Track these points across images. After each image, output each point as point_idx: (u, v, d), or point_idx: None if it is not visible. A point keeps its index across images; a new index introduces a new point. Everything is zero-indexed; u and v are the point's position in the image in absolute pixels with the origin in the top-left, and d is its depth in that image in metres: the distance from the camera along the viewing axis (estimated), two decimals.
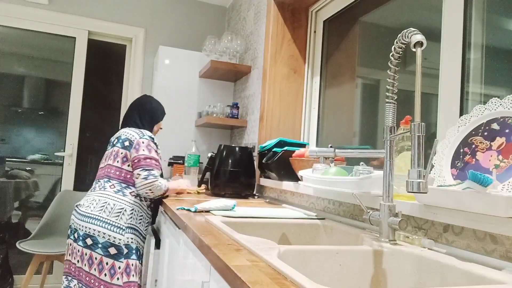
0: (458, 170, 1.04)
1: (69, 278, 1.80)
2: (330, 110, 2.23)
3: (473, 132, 1.04)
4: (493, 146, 0.97)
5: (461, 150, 1.05)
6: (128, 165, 1.85)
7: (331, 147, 1.43)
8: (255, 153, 2.38)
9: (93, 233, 1.71)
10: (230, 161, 2.13)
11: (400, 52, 1.00)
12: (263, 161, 1.99)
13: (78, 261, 1.74)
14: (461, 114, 1.27)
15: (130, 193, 1.83)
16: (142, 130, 1.95)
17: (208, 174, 2.25)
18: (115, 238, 1.71)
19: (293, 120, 2.36)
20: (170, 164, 2.76)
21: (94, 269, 1.70)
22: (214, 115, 2.72)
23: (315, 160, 1.65)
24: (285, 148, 1.87)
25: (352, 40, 2.11)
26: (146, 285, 1.91)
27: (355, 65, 2.07)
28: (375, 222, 1.07)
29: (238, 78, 2.96)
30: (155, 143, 1.91)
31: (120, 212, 1.77)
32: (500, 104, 0.98)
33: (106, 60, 4.22)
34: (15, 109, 3.10)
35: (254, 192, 2.33)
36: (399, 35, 0.97)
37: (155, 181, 1.79)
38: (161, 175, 1.90)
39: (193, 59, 2.98)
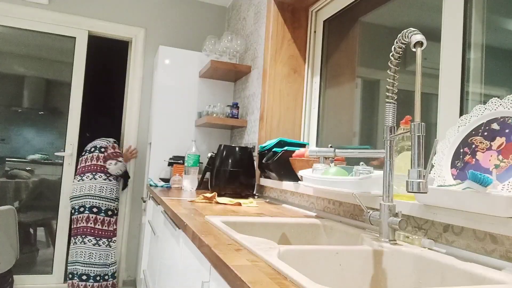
0: (458, 170, 1.04)
1: (81, 237, 2.80)
2: (330, 110, 2.23)
3: (473, 132, 1.04)
4: (493, 146, 0.97)
5: (461, 150, 1.05)
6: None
7: (331, 147, 1.43)
8: (255, 153, 2.38)
9: (97, 204, 2.82)
10: (230, 161, 2.13)
11: (400, 52, 1.00)
12: (263, 161, 1.99)
13: (88, 223, 2.80)
14: (461, 114, 1.27)
15: (111, 178, 2.92)
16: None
17: (208, 174, 2.25)
18: (110, 205, 2.86)
19: (293, 120, 2.36)
20: (170, 164, 2.76)
21: (98, 224, 2.81)
22: (214, 115, 2.72)
23: (315, 160, 1.65)
24: (285, 148, 1.87)
25: (352, 40, 2.11)
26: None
27: (355, 65, 2.07)
28: (375, 222, 1.07)
29: (238, 78, 2.96)
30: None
31: (112, 190, 2.90)
32: (500, 104, 0.98)
33: (107, 59, 4.20)
34: (15, 109, 3.10)
35: (254, 192, 2.33)
36: (399, 35, 0.97)
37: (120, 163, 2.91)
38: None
39: (193, 59, 2.98)
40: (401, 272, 0.97)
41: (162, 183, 2.63)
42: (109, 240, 2.86)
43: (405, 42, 0.96)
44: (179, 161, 2.73)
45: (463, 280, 0.81)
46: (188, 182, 2.41)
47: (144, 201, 3.13)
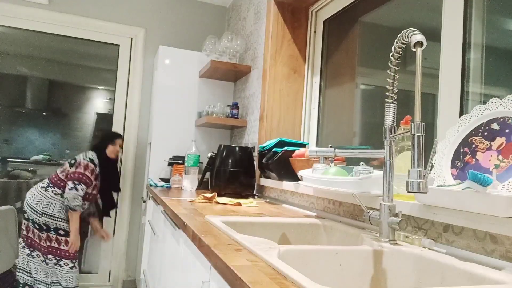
0: (458, 170, 1.04)
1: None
2: (330, 110, 2.23)
3: (473, 132, 1.04)
4: (493, 146, 0.97)
5: (461, 150, 1.05)
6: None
7: (331, 147, 1.43)
8: (255, 153, 2.38)
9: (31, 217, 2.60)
10: (230, 161, 2.13)
11: (400, 52, 1.00)
12: (263, 161, 1.99)
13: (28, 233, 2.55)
14: (461, 114, 1.27)
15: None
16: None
17: (208, 174, 2.25)
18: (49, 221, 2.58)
19: (293, 120, 2.36)
20: (170, 164, 2.76)
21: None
22: (214, 115, 2.72)
23: (315, 160, 1.65)
24: (285, 148, 1.87)
25: (352, 40, 2.11)
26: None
27: (355, 65, 2.07)
28: (375, 222, 1.07)
29: (238, 78, 2.96)
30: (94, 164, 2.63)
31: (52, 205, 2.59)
32: (500, 104, 0.98)
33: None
34: (19, 110, 3.10)
35: (254, 192, 2.33)
36: (399, 35, 0.97)
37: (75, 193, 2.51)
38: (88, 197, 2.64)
39: (193, 59, 2.98)
40: (401, 272, 0.97)
41: (162, 183, 2.63)
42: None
43: (405, 42, 0.96)
44: (179, 161, 2.73)
45: (463, 280, 0.81)
46: (188, 182, 2.41)
47: (144, 201, 3.13)
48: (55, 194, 2.54)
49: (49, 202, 2.52)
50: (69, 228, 2.54)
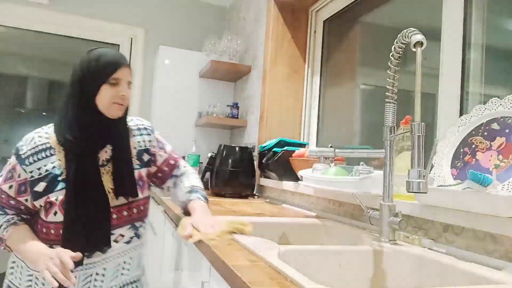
0: (458, 170, 1.04)
1: None
2: (330, 110, 2.23)
3: (473, 132, 1.04)
4: (493, 146, 0.97)
5: (461, 150, 1.05)
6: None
7: (331, 147, 1.43)
8: (255, 153, 2.38)
9: None
10: (230, 161, 2.13)
11: (400, 52, 1.00)
12: (263, 161, 1.99)
13: None
14: (461, 114, 1.27)
15: None
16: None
17: (208, 174, 2.25)
18: None
19: (293, 120, 2.35)
20: None
21: None
22: (214, 115, 2.72)
23: (315, 160, 1.65)
24: (285, 148, 1.87)
25: (352, 40, 2.11)
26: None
27: (355, 65, 2.07)
28: (375, 222, 1.07)
29: (238, 78, 2.95)
30: (21, 157, 1.13)
31: None
32: (500, 104, 0.98)
33: None
34: (19, 110, 3.10)
35: (254, 192, 2.33)
36: (399, 35, 0.97)
37: None
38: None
39: (193, 59, 2.98)
40: (401, 272, 0.97)
41: None
42: None
43: (405, 42, 0.95)
44: None
45: (463, 280, 0.81)
46: None
47: None
48: None
49: None
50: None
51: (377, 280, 0.99)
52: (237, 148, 2.16)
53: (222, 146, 2.18)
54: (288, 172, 1.86)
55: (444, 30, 1.37)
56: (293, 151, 1.82)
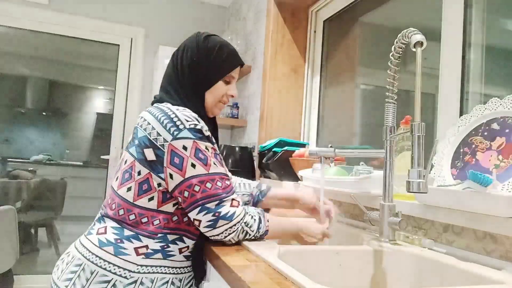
0: (458, 170, 1.04)
1: None
2: (330, 110, 2.23)
3: (473, 132, 1.04)
4: (493, 146, 0.97)
5: (461, 150, 1.05)
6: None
7: (331, 147, 1.43)
8: (255, 153, 2.38)
9: None
10: (230, 161, 2.12)
11: (400, 52, 1.00)
12: (263, 161, 1.99)
13: None
14: (461, 114, 1.27)
15: None
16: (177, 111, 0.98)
17: None
18: None
19: (293, 120, 2.35)
20: None
21: None
22: None
23: (315, 160, 1.65)
24: (285, 148, 1.87)
25: (352, 40, 2.11)
26: None
27: (355, 65, 2.07)
28: (375, 222, 1.07)
29: (238, 78, 2.95)
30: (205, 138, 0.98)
31: None
32: (500, 104, 0.98)
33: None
34: (19, 110, 3.10)
35: None
36: (399, 35, 0.97)
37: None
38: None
39: None
40: (401, 272, 0.97)
41: None
42: None
43: (405, 42, 0.95)
44: None
45: (463, 280, 0.81)
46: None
47: None
48: None
49: None
50: None
51: (377, 280, 0.99)
52: (237, 148, 2.16)
53: (222, 146, 2.18)
54: (288, 172, 1.86)
55: (444, 30, 1.37)
56: (293, 151, 1.82)
